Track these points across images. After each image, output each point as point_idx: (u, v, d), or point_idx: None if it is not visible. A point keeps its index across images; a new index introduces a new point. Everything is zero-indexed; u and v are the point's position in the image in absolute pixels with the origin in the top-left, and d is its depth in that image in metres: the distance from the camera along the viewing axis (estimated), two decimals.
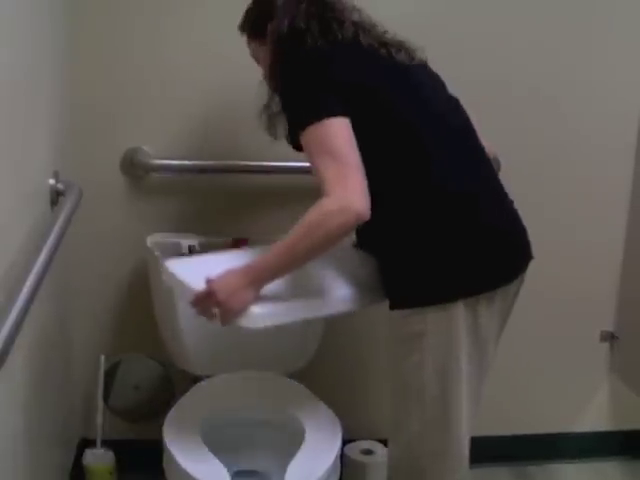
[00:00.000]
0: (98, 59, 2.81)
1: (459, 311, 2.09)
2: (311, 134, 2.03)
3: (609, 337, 3.32)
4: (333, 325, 2.90)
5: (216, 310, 2.11)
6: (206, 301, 2.12)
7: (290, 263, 2.06)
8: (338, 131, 2.02)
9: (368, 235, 2.22)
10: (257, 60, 2.39)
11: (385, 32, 2.27)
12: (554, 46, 3.04)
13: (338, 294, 2.25)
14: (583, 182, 3.19)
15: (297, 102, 2.11)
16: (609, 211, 3.23)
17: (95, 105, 2.84)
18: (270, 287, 2.11)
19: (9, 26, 1.89)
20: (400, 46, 2.25)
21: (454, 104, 2.31)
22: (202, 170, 2.93)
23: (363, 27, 2.22)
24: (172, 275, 2.27)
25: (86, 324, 3.03)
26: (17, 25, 1.98)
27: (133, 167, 2.90)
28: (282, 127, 2.26)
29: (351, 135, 2.03)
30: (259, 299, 2.10)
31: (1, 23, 1.82)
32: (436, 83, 2.33)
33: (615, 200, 3.23)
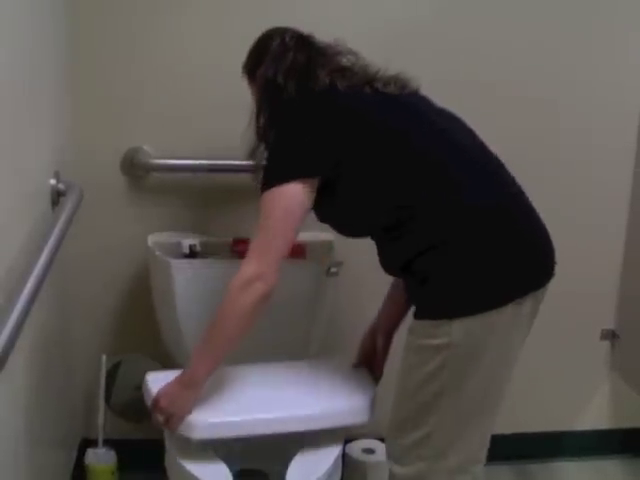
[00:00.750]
0: (99, 59, 2.82)
1: (486, 321, 2.09)
2: (263, 199, 2.13)
3: (610, 335, 3.33)
4: (335, 324, 2.92)
5: (161, 417, 2.25)
6: (154, 410, 2.27)
7: (214, 354, 2.22)
8: (283, 200, 2.11)
9: (392, 258, 2.24)
10: (253, 99, 2.43)
11: (377, 71, 2.30)
12: (553, 47, 3.05)
13: (289, 413, 2.34)
14: (583, 181, 3.19)
15: (279, 158, 2.18)
16: (609, 209, 3.24)
17: (96, 105, 2.85)
18: (217, 398, 2.31)
19: (10, 27, 1.89)
20: (389, 80, 2.27)
21: (454, 120, 2.31)
22: (203, 169, 2.94)
23: (344, 73, 2.26)
24: (149, 390, 2.37)
25: (87, 324, 3.04)
26: (18, 25, 1.99)
27: (134, 167, 2.91)
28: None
29: (302, 201, 2.12)
30: (205, 409, 2.26)
31: (2, 24, 1.81)
32: (433, 107, 2.33)
33: (615, 199, 3.23)
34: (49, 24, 2.45)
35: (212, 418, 2.27)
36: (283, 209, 2.11)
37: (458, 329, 2.06)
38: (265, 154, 2.29)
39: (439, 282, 2.10)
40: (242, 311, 2.15)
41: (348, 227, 2.28)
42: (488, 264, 2.09)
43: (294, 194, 2.11)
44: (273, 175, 2.14)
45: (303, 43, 2.32)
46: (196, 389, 2.23)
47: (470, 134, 2.29)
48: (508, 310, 2.10)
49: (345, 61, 2.30)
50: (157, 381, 2.38)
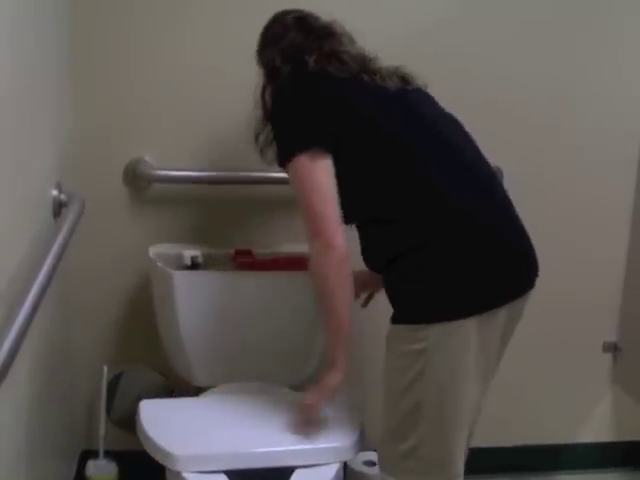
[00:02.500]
0: (100, 70, 2.82)
1: (464, 327, 2.09)
2: (295, 167, 2.18)
3: (612, 348, 3.32)
4: None
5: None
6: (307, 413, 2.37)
7: (340, 334, 2.24)
8: (319, 165, 2.17)
9: (373, 254, 2.27)
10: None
11: (374, 58, 2.35)
12: (555, 60, 3.06)
13: (275, 448, 2.34)
14: (585, 194, 3.20)
15: (282, 134, 2.26)
16: (611, 222, 3.24)
17: (97, 116, 2.85)
18: (203, 432, 2.37)
19: (12, 39, 1.89)
20: (390, 73, 2.29)
21: (451, 120, 2.32)
22: (205, 181, 2.94)
23: (339, 56, 2.29)
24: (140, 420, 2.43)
25: (89, 335, 3.03)
26: (20, 38, 1.98)
27: (136, 178, 2.90)
28: (272, 154, 2.37)
29: (326, 169, 2.18)
30: (191, 442, 2.31)
31: (4, 37, 1.81)
32: (431, 104, 2.35)
33: (617, 212, 3.24)
34: (51, 36, 2.45)
35: (198, 451, 2.29)
36: (308, 179, 2.17)
37: (436, 334, 2.09)
38: (271, 134, 2.34)
39: (418, 284, 2.12)
40: (333, 282, 2.19)
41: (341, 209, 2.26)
42: (468, 270, 2.10)
43: (308, 163, 2.16)
44: (287, 149, 2.21)
45: (301, 24, 2.38)
46: (341, 375, 2.27)
47: (466, 138, 2.30)
48: (483, 318, 2.11)
49: (339, 44, 2.34)
50: (149, 410, 2.46)
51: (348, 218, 2.22)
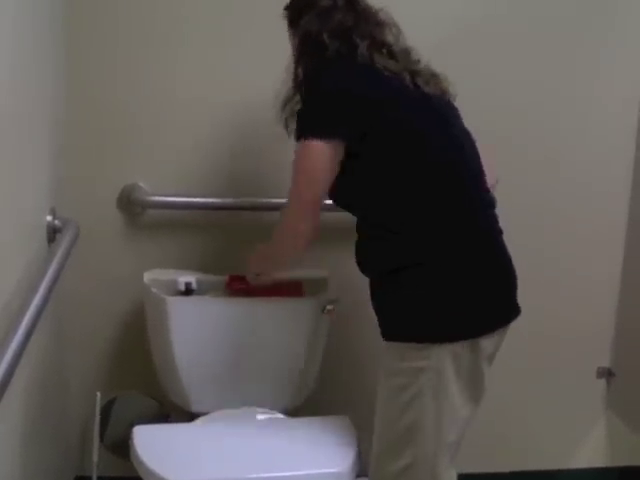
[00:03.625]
0: (95, 96, 2.83)
1: (461, 350, 2.13)
2: (306, 148, 2.18)
3: (606, 373, 3.31)
4: (332, 362, 2.90)
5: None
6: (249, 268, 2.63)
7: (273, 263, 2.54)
8: (329, 156, 2.17)
9: (373, 262, 2.27)
10: (291, 43, 2.42)
11: (418, 60, 2.31)
12: (551, 91, 3.09)
13: (267, 475, 2.36)
14: (579, 219, 3.20)
15: (310, 113, 2.22)
16: (605, 248, 3.24)
17: (92, 142, 2.87)
18: (197, 457, 2.38)
19: (7, 66, 1.89)
20: (428, 77, 2.28)
21: (472, 144, 2.33)
22: (199, 207, 2.96)
23: (389, 49, 2.28)
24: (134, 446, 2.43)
25: (83, 361, 3.02)
26: (15, 64, 1.98)
27: (130, 204, 2.91)
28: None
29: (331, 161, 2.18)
30: (185, 468, 2.31)
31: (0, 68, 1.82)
32: (460, 121, 2.35)
33: (611, 237, 3.23)
34: (45, 64, 2.45)
35: (192, 477, 2.30)
36: (310, 164, 2.20)
37: (437, 353, 2.11)
38: (299, 105, 2.32)
39: (423, 302, 2.15)
40: (284, 252, 2.42)
41: (351, 203, 2.31)
42: (474, 292, 2.15)
43: (321, 152, 2.17)
44: (305, 128, 2.21)
45: (352, 5, 2.32)
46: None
47: (480, 164, 2.31)
48: (481, 340, 2.15)
49: (389, 34, 2.31)
50: (143, 435, 2.46)
51: (352, 209, 2.29)
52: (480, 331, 2.15)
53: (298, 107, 2.31)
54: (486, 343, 2.18)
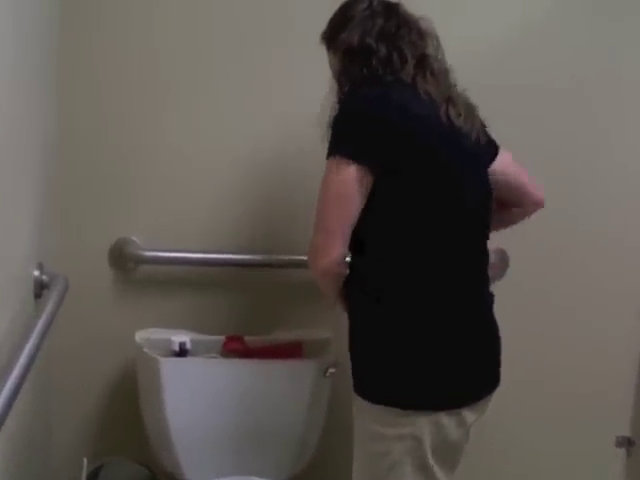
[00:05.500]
0: (86, 146, 2.85)
1: (443, 419, 2.13)
2: (335, 165, 2.14)
3: (625, 442, 3.27)
4: (334, 428, 2.88)
5: None
6: None
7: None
8: (358, 181, 2.12)
9: (360, 328, 2.25)
10: (331, 70, 2.40)
11: (455, 85, 2.28)
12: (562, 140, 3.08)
13: None
14: (598, 285, 3.18)
15: (341, 130, 2.17)
16: (625, 313, 3.20)
17: (82, 193, 2.88)
18: None
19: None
20: (461, 109, 2.24)
21: (489, 205, 2.32)
22: (195, 263, 2.94)
23: (430, 70, 2.24)
24: None
25: (69, 424, 2.99)
26: (6, 114, 1.96)
27: (122, 259, 2.90)
28: None
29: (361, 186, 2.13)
30: None
31: None
32: (484, 171, 2.32)
33: (631, 302, 3.21)
34: (38, 111, 2.44)
35: None
36: (341, 183, 2.14)
37: (421, 422, 2.11)
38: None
39: (411, 366, 2.14)
40: (316, 275, 2.28)
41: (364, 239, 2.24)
42: (462, 360, 2.16)
43: (353, 172, 2.12)
44: (338, 145, 2.16)
45: (391, 11, 2.30)
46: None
47: (489, 218, 2.31)
48: (461, 413, 2.16)
49: (430, 46, 2.29)
50: None
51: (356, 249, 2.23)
52: (465, 400, 2.16)
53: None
54: (469, 413, 2.19)
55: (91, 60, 2.83)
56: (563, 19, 3.04)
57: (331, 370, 2.67)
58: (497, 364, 2.28)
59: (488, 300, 2.29)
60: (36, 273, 2.36)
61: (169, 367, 2.64)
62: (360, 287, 2.22)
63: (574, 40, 3.04)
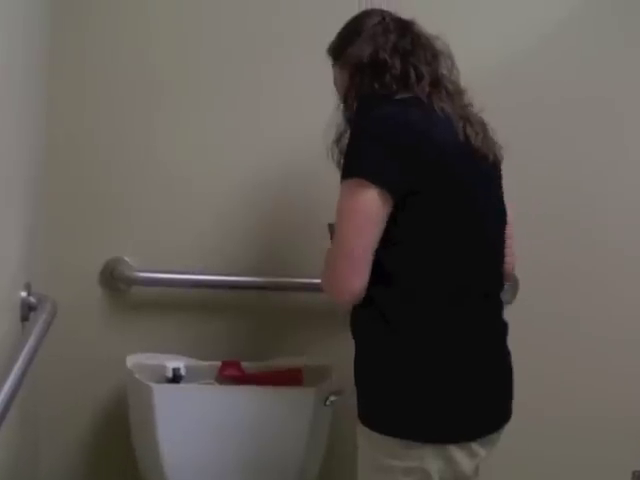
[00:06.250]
0: (76, 162, 2.86)
1: (454, 453, 2.10)
2: (352, 188, 2.09)
3: None
4: (334, 460, 2.87)
5: None
6: None
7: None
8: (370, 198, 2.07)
9: (365, 358, 2.22)
10: (336, 85, 2.38)
11: (470, 104, 2.27)
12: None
13: None
14: (615, 316, 3.15)
15: (356, 153, 2.12)
16: None
17: (72, 210, 2.86)
18: None
19: None
20: (479, 129, 2.22)
21: (502, 225, 2.30)
22: (190, 284, 2.92)
23: (441, 89, 2.21)
24: None
25: (57, 455, 2.96)
26: None
27: (113, 280, 2.89)
28: None
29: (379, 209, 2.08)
30: None
31: None
32: (498, 189, 2.32)
33: None
34: (25, 128, 2.44)
35: None
36: (359, 206, 2.09)
37: (430, 455, 2.07)
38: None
39: (422, 396, 2.09)
40: (334, 301, 2.23)
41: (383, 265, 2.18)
42: (475, 390, 2.12)
43: (371, 194, 2.07)
44: (354, 166, 2.11)
45: (405, 28, 2.27)
46: None
47: (503, 244, 2.29)
48: (471, 447, 2.13)
49: (444, 67, 2.26)
50: None
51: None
52: (477, 433, 2.13)
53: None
54: (480, 448, 2.15)
55: (80, 74, 2.83)
56: (579, 29, 3.06)
57: (332, 398, 2.63)
58: (509, 397, 2.25)
59: (502, 330, 2.27)
60: (23, 294, 2.35)
61: (162, 394, 2.60)
62: (377, 316, 2.16)
63: (588, 51, 3.07)
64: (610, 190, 3.11)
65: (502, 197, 2.30)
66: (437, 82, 2.21)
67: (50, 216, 2.79)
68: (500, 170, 2.33)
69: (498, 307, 2.27)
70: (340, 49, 2.33)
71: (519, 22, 3.01)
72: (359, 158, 2.10)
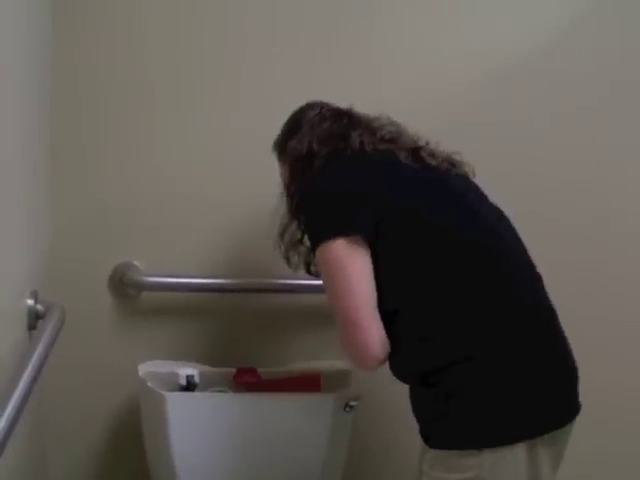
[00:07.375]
0: (84, 166, 2.86)
1: (519, 454, 2.02)
2: (328, 252, 2.13)
3: None
4: (355, 468, 2.84)
5: None
6: None
7: None
8: (357, 256, 2.11)
9: (405, 364, 2.19)
10: (281, 177, 2.46)
11: (420, 140, 2.32)
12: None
13: None
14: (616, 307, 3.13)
15: (319, 215, 2.19)
16: None
17: (79, 214, 2.87)
18: None
19: None
20: (438, 154, 2.28)
21: (507, 223, 2.30)
22: (202, 289, 2.91)
23: (377, 133, 2.30)
24: None
25: (67, 467, 2.95)
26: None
27: (123, 285, 2.89)
28: (299, 257, 2.39)
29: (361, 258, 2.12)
30: None
31: None
32: (484, 199, 2.32)
33: None
34: (29, 132, 2.44)
35: None
36: (341, 273, 2.11)
37: (487, 461, 2.01)
38: (298, 234, 2.33)
39: (467, 403, 2.05)
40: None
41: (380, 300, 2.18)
42: (525, 386, 2.06)
43: (345, 251, 2.10)
44: (319, 231, 2.16)
45: (340, 114, 2.37)
46: None
47: (518, 239, 2.28)
48: (538, 442, 2.05)
49: (386, 133, 2.31)
50: None
51: (389, 312, 2.15)
52: (538, 430, 2.05)
53: (297, 236, 2.34)
54: (548, 443, 2.07)
55: (81, 73, 2.84)
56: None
57: (352, 404, 2.63)
58: (574, 388, 2.19)
59: (552, 317, 2.22)
60: (30, 302, 2.34)
61: (175, 403, 2.58)
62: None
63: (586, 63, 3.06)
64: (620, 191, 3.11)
65: (486, 199, 2.30)
66: (370, 131, 2.30)
67: (57, 220, 2.80)
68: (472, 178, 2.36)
69: (540, 289, 2.24)
70: (283, 144, 2.44)
71: (519, 23, 3.01)
72: (316, 222, 2.20)
